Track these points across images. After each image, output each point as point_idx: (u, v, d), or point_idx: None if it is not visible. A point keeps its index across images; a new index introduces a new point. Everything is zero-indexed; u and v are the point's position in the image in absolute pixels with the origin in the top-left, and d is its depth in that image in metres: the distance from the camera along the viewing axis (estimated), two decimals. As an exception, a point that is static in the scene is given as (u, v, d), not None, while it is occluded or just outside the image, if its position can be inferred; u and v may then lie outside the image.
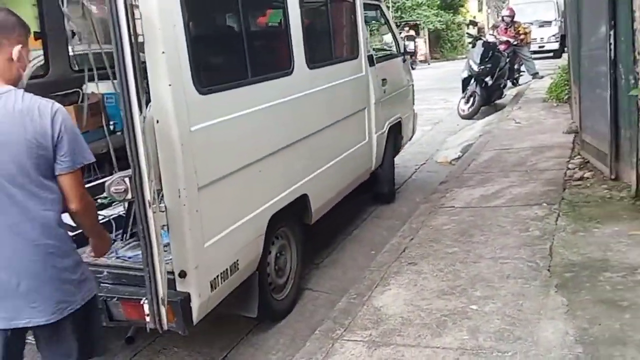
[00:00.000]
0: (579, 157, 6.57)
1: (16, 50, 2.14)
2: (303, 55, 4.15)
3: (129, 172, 2.38)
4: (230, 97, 3.32)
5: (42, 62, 4.64)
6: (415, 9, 36.83)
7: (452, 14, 38.87)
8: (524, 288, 3.73)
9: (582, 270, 3.85)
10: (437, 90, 16.09)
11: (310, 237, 4.87)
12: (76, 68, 4.84)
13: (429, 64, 30.05)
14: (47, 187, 2.13)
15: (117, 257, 3.38)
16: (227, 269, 3.27)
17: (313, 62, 4.32)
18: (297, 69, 4.07)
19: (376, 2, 6.42)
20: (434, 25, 36.03)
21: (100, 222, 3.61)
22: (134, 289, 3.06)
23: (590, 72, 6.40)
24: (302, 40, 4.13)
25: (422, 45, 32.11)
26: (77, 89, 4.62)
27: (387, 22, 6.64)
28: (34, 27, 4.23)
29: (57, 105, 2.14)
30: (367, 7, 5.87)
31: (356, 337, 3.42)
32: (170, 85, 2.80)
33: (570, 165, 6.31)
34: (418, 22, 35.03)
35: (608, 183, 5.47)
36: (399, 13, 37.26)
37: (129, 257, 3.29)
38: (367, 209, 6.31)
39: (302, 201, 4.22)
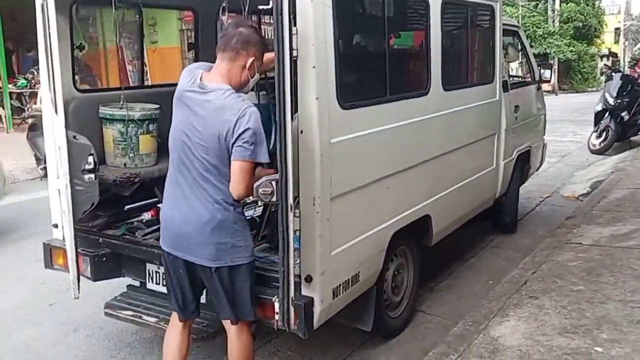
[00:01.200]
0: None
1: (250, 60, 2.71)
2: (440, 77, 4.18)
3: (277, 176, 2.53)
4: (369, 114, 3.41)
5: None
6: (546, 38, 35.60)
7: (585, 45, 37.17)
8: (656, 336, 3.52)
9: None
10: (566, 122, 15.49)
11: (427, 260, 4.86)
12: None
13: (556, 95, 28.93)
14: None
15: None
16: (349, 279, 3.35)
17: (449, 83, 4.34)
18: (433, 89, 4.10)
19: (515, 29, 6.33)
20: (564, 55, 34.60)
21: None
22: (262, 288, 3.20)
23: None
24: (440, 62, 4.16)
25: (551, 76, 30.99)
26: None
27: (523, 48, 6.51)
28: (175, 40, 4.66)
29: (250, 108, 2.62)
30: (505, 32, 5.80)
31: (471, 364, 3.38)
32: (317, 98, 2.93)
33: None
34: (547, 52, 33.84)
35: None
36: (529, 41, 36.16)
37: (260, 258, 3.45)
38: (487, 237, 6.18)
39: (424, 222, 4.22)
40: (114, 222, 3.96)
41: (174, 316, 3.11)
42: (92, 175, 3.13)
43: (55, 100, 3.02)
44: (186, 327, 3.11)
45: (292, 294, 2.60)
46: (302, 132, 2.95)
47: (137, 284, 3.97)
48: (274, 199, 2.60)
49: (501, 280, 4.67)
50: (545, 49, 35.80)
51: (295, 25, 2.80)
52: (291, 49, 2.73)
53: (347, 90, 3.19)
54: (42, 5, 3.24)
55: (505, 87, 5.52)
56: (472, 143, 4.88)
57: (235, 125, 2.58)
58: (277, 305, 2.65)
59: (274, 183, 2.58)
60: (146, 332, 4.13)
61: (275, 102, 2.48)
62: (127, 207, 3.90)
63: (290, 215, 2.51)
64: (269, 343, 4.02)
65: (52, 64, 3.11)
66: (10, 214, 7.10)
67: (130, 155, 3.95)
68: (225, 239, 2.79)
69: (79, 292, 3.33)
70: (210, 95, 2.67)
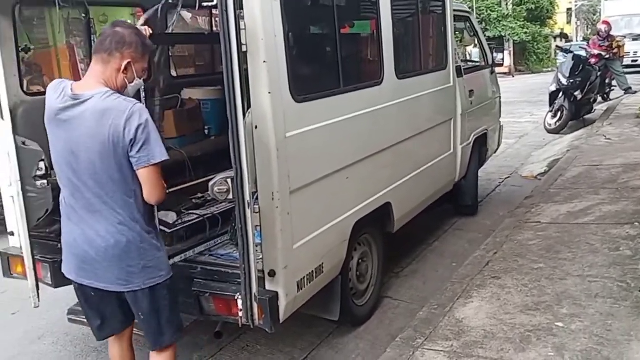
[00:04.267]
0: (675, 176, 6.29)
1: (124, 63, 2.44)
2: (393, 66, 4.21)
3: (232, 173, 2.52)
4: (323, 106, 3.43)
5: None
6: (500, 21, 36.07)
7: (539, 26, 37.77)
8: (613, 308, 3.63)
9: (677, 294, 3.71)
10: (523, 103, 15.75)
11: (391, 247, 4.92)
12: (175, 74, 5.11)
13: (513, 77, 29.40)
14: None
15: (211, 255, 3.55)
16: (313, 271, 3.37)
17: (402, 72, 4.38)
18: (387, 79, 4.13)
19: (466, 14, 6.40)
20: (519, 37, 35.14)
21: (195, 221, 3.87)
22: (225, 285, 3.20)
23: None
24: (393, 51, 4.19)
25: (506, 58, 31.49)
26: (177, 95, 4.86)
27: (476, 33, 6.60)
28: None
29: (136, 105, 2.38)
30: (456, 18, 5.86)
31: (437, 347, 3.44)
32: (269, 93, 2.93)
33: (666, 185, 6.05)
34: (502, 35, 34.30)
35: None
36: (484, 25, 36.58)
37: (222, 255, 3.45)
38: (449, 221, 6.27)
39: (385, 209, 4.27)
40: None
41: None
42: (45, 181, 3.06)
43: (0, 106, 2.95)
44: (124, 338, 2.91)
45: (254, 289, 2.60)
46: (256, 127, 2.95)
47: (100, 288, 3.91)
48: (230, 196, 2.59)
49: (464, 263, 4.75)
50: (500, 31, 36.23)
51: (243, 19, 2.80)
52: (239, 44, 2.73)
53: (300, 83, 3.19)
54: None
55: (459, 72, 5.60)
56: (429, 129, 4.95)
57: (124, 130, 2.33)
58: (240, 302, 2.64)
59: (229, 181, 2.57)
60: (112, 336, 4.08)
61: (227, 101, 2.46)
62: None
63: (248, 211, 2.51)
64: (237, 339, 4.03)
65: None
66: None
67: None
68: (134, 262, 2.53)
69: (39, 300, 3.28)
70: (88, 104, 2.38)
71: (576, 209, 5.66)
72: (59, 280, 3.74)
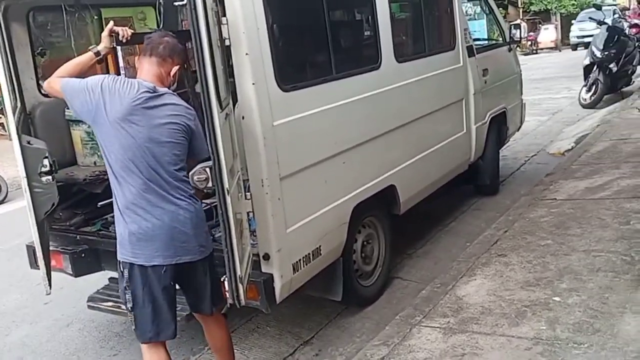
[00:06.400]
0: None
1: (174, 69, 2.84)
2: (392, 50, 4.26)
3: (210, 163, 2.66)
4: (313, 94, 3.52)
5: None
6: (545, -6, 35.04)
7: (588, -4, 36.49)
8: (613, 282, 3.63)
9: (681, 267, 3.67)
10: (562, 79, 15.38)
11: (405, 228, 5.00)
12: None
13: (560, 51, 28.66)
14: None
15: (214, 241, 3.71)
16: (309, 254, 3.50)
17: (402, 55, 4.43)
18: (385, 63, 4.18)
19: (479, -8, 6.36)
20: (566, 10, 34.06)
21: (204, 209, 4.05)
22: (223, 269, 3.35)
23: None
24: (391, 35, 4.23)
25: (552, 31, 30.57)
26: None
27: (491, 11, 6.54)
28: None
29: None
30: (468, -3, 5.84)
31: (434, 324, 3.52)
32: (254, 84, 3.06)
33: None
34: (549, 8, 33.35)
35: None
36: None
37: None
38: (469, 201, 6.29)
39: (390, 192, 4.34)
40: (90, 219, 4.13)
41: (150, 348, 2.88)
42: (50, 177, 3.28)
43: (5, 109, 3.18)
44: (164, 347, 2.93)
45: (238, 271, 2.74)
46: (243, 117, 3.09)
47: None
48: (210, 184, 2.74)
49: (474, 242, 4.79)
50: (546, 5, 35.22)
51: (224, 15, 2.94)
52: (222, 38, 2.89)
53: (286, 73, 3.30)
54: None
55: (470, 52, 5.58)
56: (437, 111, 4.97)
57: (190, 124, 2.75)
58: (226, 283, 2.80)
59: (207, 169, 2.72)
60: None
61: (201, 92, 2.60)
62: (100, 203, 4.07)
63: (228, 199, 2.65)
64: (249, 321, 4.21)
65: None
66: (14, 219, 7.35)
67: (99, 153, 4.10)
68: (205, 228, 2.93)
69: (50, 288, 3.51)
70: (165, 97, 2.74)
71: (595, 184, 5.59)
72: (79, 269, 4.03)
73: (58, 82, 2.81)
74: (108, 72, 4.48)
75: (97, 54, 3.00)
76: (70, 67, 2.92)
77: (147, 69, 2.80)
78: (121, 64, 4.82)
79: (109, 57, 4.72)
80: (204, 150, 2.78)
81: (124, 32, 3.03)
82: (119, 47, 4.25)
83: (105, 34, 3.04)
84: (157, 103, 2.70)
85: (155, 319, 2.80)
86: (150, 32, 3.12)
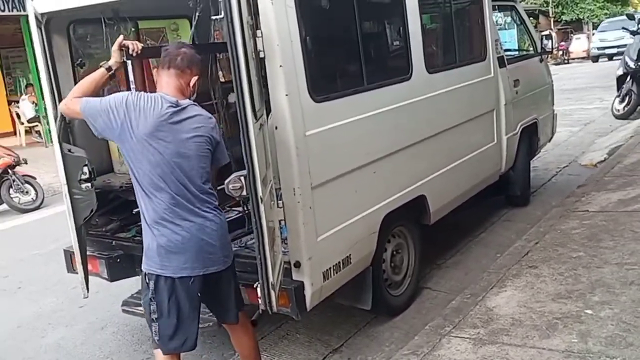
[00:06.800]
0: None
1: (194, 80, 2.85)
2: (423, 61, 4.29)
3: (245, 172, 2.73)
4: (345, 104, 3.57)
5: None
6: (578, 4, 34.75)
7: (620, 6, 36.05)
8: (646, 295, 3.59)
9: None
10: (595, 89, 15.20)
11: (435, 238, 5.00)
12: (223, 80, 5.38)
13: (593, 62, 28.28)
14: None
15: (246, 248, 3.78)
16: (339, 262, 3.54)
17: (433, 66, 4.45)
18: (416, 74, 4.22)
19: (511, 3, 6.35)
20: (599, 19, 33.67)
21: (235, 217, 4.12)
22: (255, 275, 3.41)
23: None
24: (422, 46, 4.27)
25: (584, 41, 30.22)
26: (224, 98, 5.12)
27: (522, 21, 6.53)
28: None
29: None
30: (500, 8, 5.84)
31: (464, 335, 3.53)
32: (287, 95, 3.12)
33: None
34: (580, 17, 33.02)
35: None
36: (560, 9, 35.31)
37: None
38: (499, 212, 6.26)
39: (420, 202, 4.36)
40: (125, 225, 4.24)
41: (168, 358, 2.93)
42: (89, 184, 3.39)
43: (41, 117, 3.29)
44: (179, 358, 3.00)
45: (271, 278, 2.80)
46: (276, 128, 3.16)
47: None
48: (244, 193, 2.81)
49: (504, 253, 4.77)
50: (577, 14, 34.89)
51: (259, 28, 3.01)
52: (257, 50, 2.96)
53: (319, 84, 3.36)
54: (38, 28, 3.54)
55: (501, 62, 5.58)
56: (467, 121, 4.98)
57: (213, 135, 2.81)
58: (258, 290, 2.85)
59: (242, 178, 2.79)
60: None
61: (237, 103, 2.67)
62: (135, 210, 4.16)
63: (262, 207, 2.71)
64: (279, 328, 4.25)
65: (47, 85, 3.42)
66: (50, 225, 7.54)
67: (136, 161, 4.22)
68: (229, 239, 3.01)
69: (87, 292, 3.62)
70: (188, 110, 2.77)
71: (628, 196, 5.52)
72: (115, 274, 4.14)
73: (77, 103, 2.81)
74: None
75: (109, 69, 3.04)
76: (85, 86, 2.94)
77: (167, 81, 2.81)
78: (131, 78, 4.86)
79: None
80: (225, 157, 2.90)
81: (134, 45, 3.08)
82: (129, 62, 4.30)
83: (115, 48, 3.06)
84: (182, 117, 2.74)
85: (179, 330, 2.83)
86: (158, 47, 3.18)
